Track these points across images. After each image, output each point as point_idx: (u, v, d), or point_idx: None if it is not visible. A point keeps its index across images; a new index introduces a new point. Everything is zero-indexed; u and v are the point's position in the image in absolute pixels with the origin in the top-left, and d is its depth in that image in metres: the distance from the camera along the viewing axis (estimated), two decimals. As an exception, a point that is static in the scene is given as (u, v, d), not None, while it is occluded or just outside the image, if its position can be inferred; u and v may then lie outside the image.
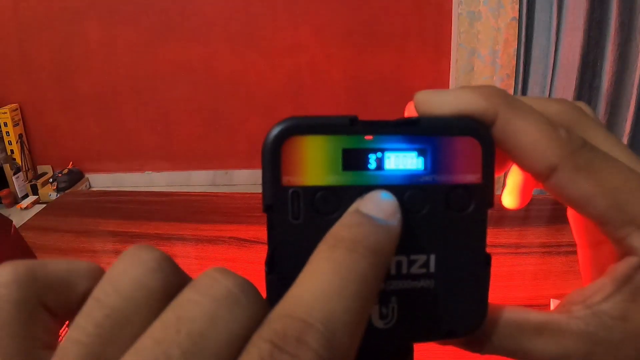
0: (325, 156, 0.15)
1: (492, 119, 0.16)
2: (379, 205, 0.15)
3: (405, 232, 0.15)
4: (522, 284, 0.58)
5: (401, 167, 0.16)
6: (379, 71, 2.34)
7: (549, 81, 1.92)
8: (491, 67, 1.98)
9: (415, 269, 0.16)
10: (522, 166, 0.16)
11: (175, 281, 0.13)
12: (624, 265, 0.16)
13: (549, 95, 1.94)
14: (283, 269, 0.16)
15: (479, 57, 2.00)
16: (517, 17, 1.86)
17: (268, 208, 0.16)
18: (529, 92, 1.99)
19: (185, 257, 0.71)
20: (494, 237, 0.67)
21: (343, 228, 0.14)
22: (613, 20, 1.74)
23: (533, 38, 1.92)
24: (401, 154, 0.16)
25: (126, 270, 0.13)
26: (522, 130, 0.16)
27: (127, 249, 0.14)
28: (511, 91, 1.97)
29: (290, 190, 0.15)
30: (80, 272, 0.15)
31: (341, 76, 2.39)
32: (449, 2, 2.06)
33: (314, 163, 0.15)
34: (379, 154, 0.16)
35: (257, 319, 0.12)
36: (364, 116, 0.16)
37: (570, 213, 0.19)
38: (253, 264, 0.66)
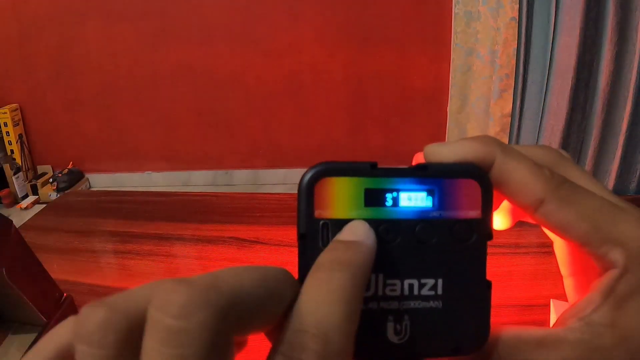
0: (351, 194, 0.19)
1: (490, 162, 0.19)
2: (351, 230, 0.18)
3: (416, 259, 0.19)
4: (521, 284, 0.58)
5: (413, 204, 0.19)
6: (379, 71, 2.34)
7: (546, 80, 1.92)
8: (490, 67, 1.98)
9: (425, 291, 0.19)
10: (515, 201, 0.20)
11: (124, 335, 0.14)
12: (607, 278, 0.18)
13: (545, 94, 1.94)
14: None
15: (478, 57, 2.00)
16: (517, 17, 1.86)
17: (302, 236, 0.19)
18: (528, 92, 1.99)
19: (186, 257, 0.71)
20: (493, 237, 0.67)
21: (323, 255, 0.17)
22: (609, 20, 1.74)
23: (532, 38, 1.92)
24: (413, 194, 0.19)
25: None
26: (515, 171, 0.19)
27: (83, 308, 0.14)
28: (510, 91, 1.97)
29: (321, 222, 0.19)
30: (277, 290, 0.16)
31: (341, 76, 2.39)
32: (449, 2, 2.06)
33: (341, 200, 0.19)
34: (395, 194, 0.19)
35: (223, 314, 0.14)
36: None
37: (556, 247, 0.22)
38: (253, 264, 0.66)
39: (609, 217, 0.18)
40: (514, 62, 1.92)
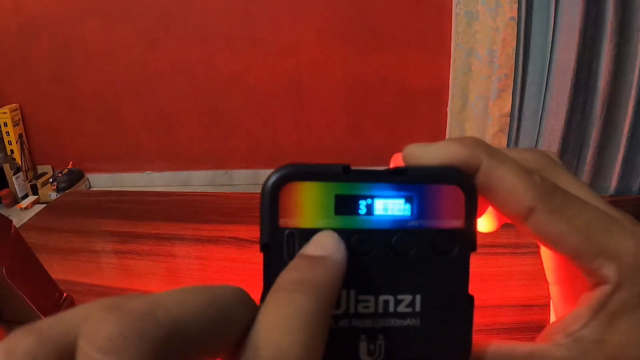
0: (319, 201, 0.17)
1: (475, 167, 0.18)
2: (317, 243, 0.16)
3: (392, 273, 0.17)
4: (521, 284, 0.59)
5: (389, 212, 0.17)
6: (379, 71, 2.34)
7: (545, 81, 1.92)
8: (489, 67, 1.98)
9: (401, 308, 0.17)
10: (502, 210, 0.18)
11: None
12: (598, 294, 0.17)
13: (545, 94, 1.94)
14: None
15: (477, 57, 2.00)
16: (516, 17, 1.86)
17: (265, 247, 0.17)
18: (527, 92, 1.99)
19: (186, 257, 0.71)
20: (493, 237, 0.67)
21: (284, 273, 0.16)
22: (609, 20, 1.74)
23: (531, 38, 1.92)
24: (389, 201, 0.17)
25: None
26: (503, 177, 0.18)
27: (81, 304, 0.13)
28: (509, 91, 1.97)
29: (286, 232, 0.17)
30: (229, 315, 0.14)
31: (341, 76, 2.39)
32: (449, 2, 2.06)
33: (309, 207, 0.17)
34: (369, 200, 0.17)
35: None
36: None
37: (543, 253, 0.21)
38: (253, 264, 0.66)
39: (602, 229, 0.17)
40: (512, 62, 1.92)
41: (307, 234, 0.17)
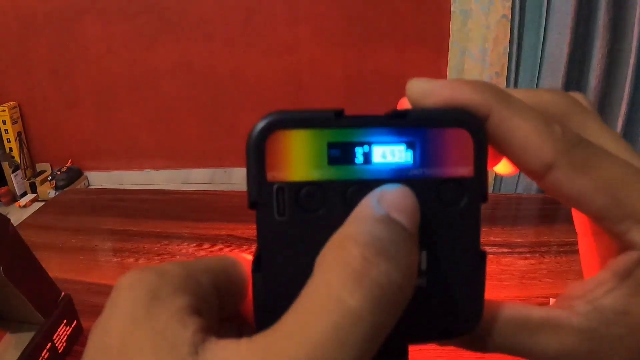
0: (310, 150, 0.15)
1: (484, 114, 0.16)
2: (402, 207, 0.14)
3: None
4: (517, 283, 0.59)
5: (389, 160, 0.15)
6: (379, 70, 2.34)
7: (536, 79, 1.91)
8: (481, 64, 1.97)
9: None
10: (517, 164, 0.16)
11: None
12: (624, 260, 0.16)
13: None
14: (269, 267, 0.15)
15: (469, 55, 2.00)
16: (508, 15, 1.86)
17: (253, 205, 0.15)
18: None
19: (184, 255, 0.71)
20: (486, 235, 0.67)
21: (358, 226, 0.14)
22: (601, 18, 1.74)
23: (523, 36, 1.92)
24: (389, 147, 0.15)
25: None
26: (516, 128, 0.15)
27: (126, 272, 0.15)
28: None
29: (275, 186, 0.15)
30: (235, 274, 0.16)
31: (340, 75, 2.39)
32: (448, 1, 2.06)
33: (298, 158, 0.15)
34: (366, 148, 0.15)
35: None
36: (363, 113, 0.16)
37: None
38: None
39: (631, 187, 0.15)
40: (504, 60, 1.92)
41: (297, 188, 0.15)
